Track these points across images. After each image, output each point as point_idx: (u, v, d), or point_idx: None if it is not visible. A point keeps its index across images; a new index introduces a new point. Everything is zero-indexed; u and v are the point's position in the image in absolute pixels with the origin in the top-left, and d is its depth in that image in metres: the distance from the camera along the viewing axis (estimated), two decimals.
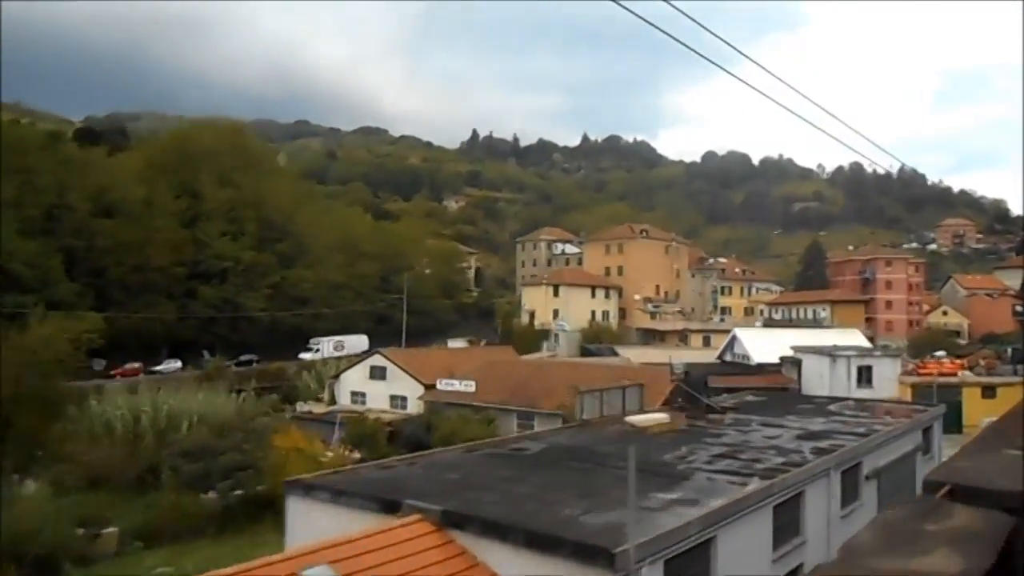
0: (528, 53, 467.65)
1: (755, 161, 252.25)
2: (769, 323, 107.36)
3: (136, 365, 63.04)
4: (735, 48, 8.26)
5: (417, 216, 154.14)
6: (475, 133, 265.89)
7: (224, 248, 74.69)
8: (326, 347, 65.46)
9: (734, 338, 59.84)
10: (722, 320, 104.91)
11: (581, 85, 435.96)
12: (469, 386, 42.02)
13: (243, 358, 67.71)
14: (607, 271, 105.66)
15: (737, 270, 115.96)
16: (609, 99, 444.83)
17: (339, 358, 61.52)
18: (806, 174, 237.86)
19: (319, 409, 49.91)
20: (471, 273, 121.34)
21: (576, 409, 27.20)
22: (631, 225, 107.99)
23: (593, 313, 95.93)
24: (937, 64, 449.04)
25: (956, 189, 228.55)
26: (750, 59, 8.44)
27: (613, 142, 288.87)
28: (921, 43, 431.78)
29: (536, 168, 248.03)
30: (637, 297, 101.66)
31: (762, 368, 55.04)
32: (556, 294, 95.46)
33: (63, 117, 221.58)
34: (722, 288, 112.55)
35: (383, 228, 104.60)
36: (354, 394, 52.65)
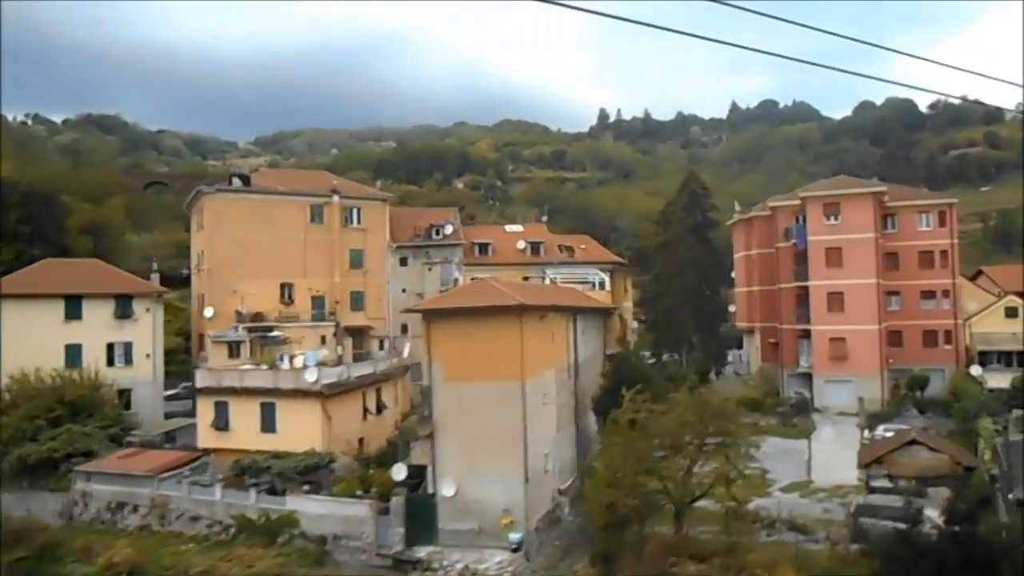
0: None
1: (923, 107, 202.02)
2: None
3: None
4: None
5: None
6: (603, 113, 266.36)
7: None
8: None
9: None
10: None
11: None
12: None
13: None
14: (199, 260, 52.27)
15: (521, 245, 53.51)
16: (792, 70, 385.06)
17: None
18: (993, 117, 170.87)
19: None
20: None
21: None
22: (261, 170, 52.42)
23: (76, 351, 43.37)
24: None
25: None
26: None
27: (767, 108, 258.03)
28: None
29: (667, 143, 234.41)
30: (208, 314, 46.74)
31: None
32: None
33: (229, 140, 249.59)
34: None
35: None
36: None
